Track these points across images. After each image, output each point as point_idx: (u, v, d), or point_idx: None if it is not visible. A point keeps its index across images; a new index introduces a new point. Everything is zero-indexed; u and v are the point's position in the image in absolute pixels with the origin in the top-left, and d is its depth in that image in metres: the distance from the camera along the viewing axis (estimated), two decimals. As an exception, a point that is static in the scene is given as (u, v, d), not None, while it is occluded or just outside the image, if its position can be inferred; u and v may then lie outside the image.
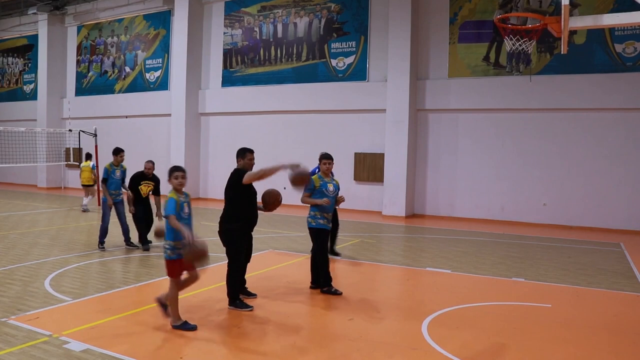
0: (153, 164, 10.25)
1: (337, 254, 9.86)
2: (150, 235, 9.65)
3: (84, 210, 15.94)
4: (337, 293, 7.18)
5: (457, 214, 16.49)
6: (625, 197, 14.40)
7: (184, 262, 5.50)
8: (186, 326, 5.60)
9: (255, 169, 6.44)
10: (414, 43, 16.64)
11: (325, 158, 7.47)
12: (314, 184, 7.20)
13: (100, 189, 9.77)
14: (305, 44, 18.88)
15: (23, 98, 26.75)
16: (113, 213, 10.13)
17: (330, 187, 7.32)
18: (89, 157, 16.73)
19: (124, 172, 10.24)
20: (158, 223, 9.46)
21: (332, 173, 7.86)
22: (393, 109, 16.71)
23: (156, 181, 10.21)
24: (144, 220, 10.14)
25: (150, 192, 10.19)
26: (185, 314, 6.17)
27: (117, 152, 10.17)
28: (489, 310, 6.74)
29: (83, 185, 16.61)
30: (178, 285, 5.67)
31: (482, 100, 16.02)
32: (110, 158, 10.23)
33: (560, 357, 5.16)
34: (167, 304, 5.71)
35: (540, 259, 10.28)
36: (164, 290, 7.31)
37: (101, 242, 10.04)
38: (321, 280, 7.29)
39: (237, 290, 6.52)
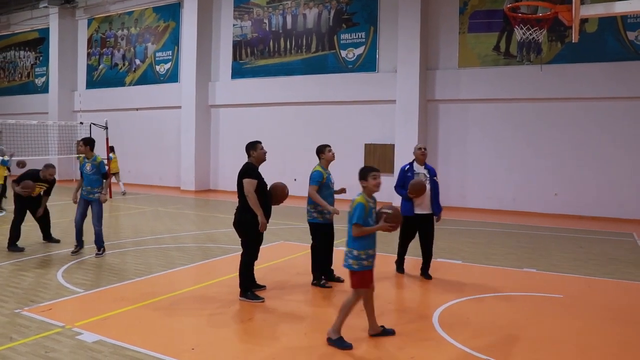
0: (55, 169, 9.53)
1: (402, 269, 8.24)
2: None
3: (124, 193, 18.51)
4: (325, 286, 7.12)
5: (468, 205, 16.43)
6: (638, 186, 14.25)
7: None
8: (342, 344, 5.00)
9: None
10: (424, 33, 16.53)
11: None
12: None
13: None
14: (314, 35, 18.82)
15: (35, 91, 26.95)
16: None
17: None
18: (112, 149, 18.25)
19: (96, 166, 8.67)
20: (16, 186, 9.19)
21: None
22: (403, 100, 16.64)
23: (51, 183, 9.56)
24: (44, 219, 9.89)
25: (42, 192, 9.66)
26: (196, 305, 6.23)
27: (88, 142, 8.77)
28: (500, 301, 6.73)
29: (115, 174, 18.11)
30: (359, 298, 5.15)
31: (493, 90, 15.90)
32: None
33: (572, 348, 5.14)
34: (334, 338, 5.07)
35: (551, 249, 10.23)
36: (182, 283, 7.39)
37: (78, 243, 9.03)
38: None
39: (250, 281, 6.56)
